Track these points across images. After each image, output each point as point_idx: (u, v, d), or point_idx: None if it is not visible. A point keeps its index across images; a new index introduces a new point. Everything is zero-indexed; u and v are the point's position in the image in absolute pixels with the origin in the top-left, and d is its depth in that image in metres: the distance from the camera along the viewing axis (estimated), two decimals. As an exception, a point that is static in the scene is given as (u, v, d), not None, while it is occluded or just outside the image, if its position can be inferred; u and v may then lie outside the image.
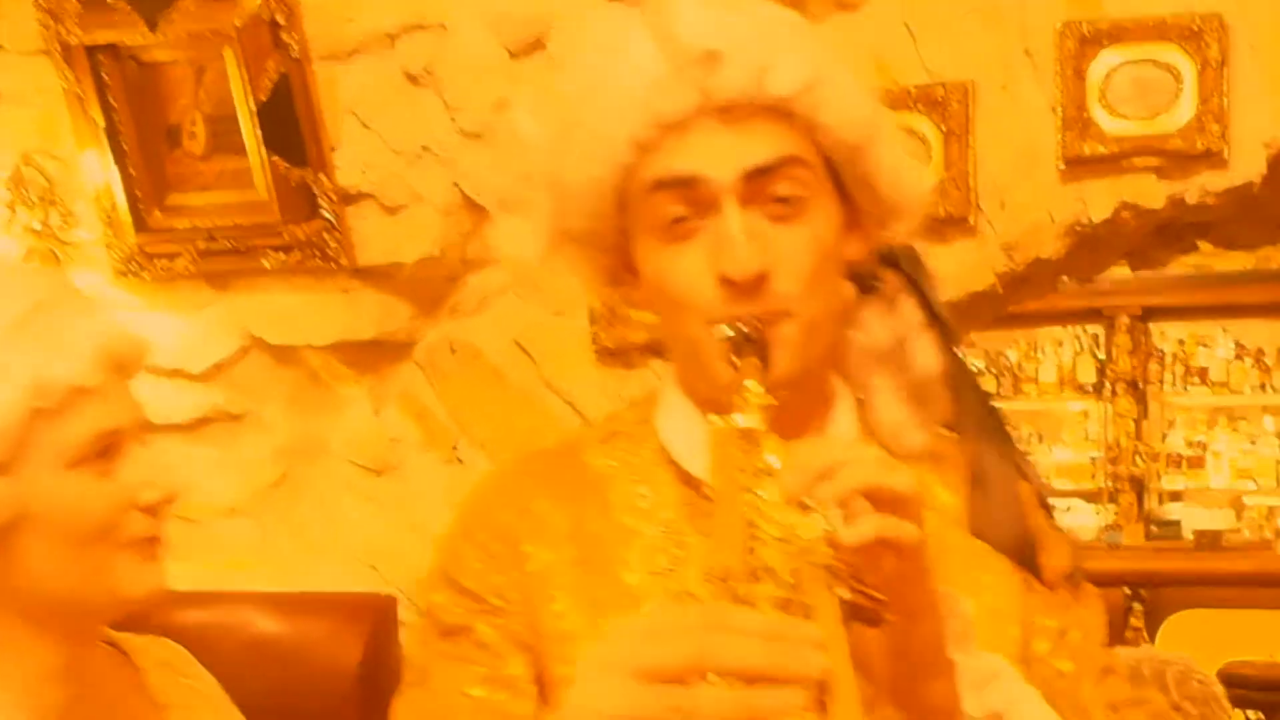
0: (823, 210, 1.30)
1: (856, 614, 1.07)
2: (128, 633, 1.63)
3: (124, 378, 1.46)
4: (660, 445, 1.43)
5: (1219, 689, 2.96)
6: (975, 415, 1.51)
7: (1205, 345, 8.56)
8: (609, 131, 1.27)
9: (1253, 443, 8.51)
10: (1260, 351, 8.45)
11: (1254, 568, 7.20)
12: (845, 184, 1.33)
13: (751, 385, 1.17)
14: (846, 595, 1.06)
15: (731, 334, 1.24)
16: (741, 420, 1.15)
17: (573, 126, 1.30)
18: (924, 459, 1.43)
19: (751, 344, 1.23)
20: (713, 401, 1.28)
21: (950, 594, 1.15)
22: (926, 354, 1.44)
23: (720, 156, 1.27)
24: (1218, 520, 8.08)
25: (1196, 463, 8.55)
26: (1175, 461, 8.59)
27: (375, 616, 2.98)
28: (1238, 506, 8.34)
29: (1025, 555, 1.40)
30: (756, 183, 1.26)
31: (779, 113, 1.27)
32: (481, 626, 1.40)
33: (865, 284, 1.45)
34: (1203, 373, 8.53)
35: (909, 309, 1.47)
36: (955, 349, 1.50)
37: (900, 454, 1.40)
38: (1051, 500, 1.84)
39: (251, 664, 2.78)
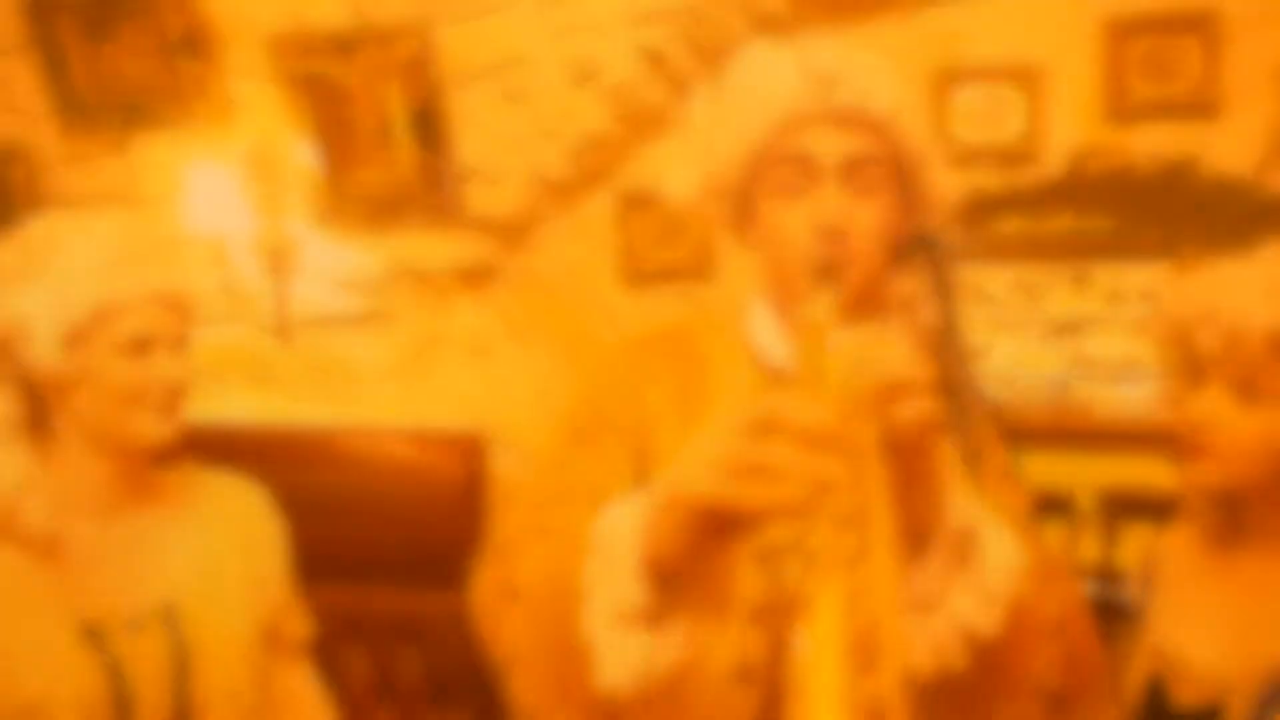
0: (889, 195, 1.31)
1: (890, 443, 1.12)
2: (216, 471, 1.65)
3: (167, 308, 1.47)
4: (743, 338, 1.44)
5: None
6: (953, 358, 1.45)
7: (990, 279, 8.68)
8: (765, 117, 1.30)
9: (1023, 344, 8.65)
10: (1028, 284, 8.60)
11: (1018, 422, 7.32)
12: (906, 181, 1.34)
13: (823, 299, 1.19)
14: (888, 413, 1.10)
15: (816, 263, 1.27)
16: (815, 314, 1.15)
17: (737, 111, 1.34)
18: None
19: (827, 273, 1.26)
20: (789, 312, 1.32)
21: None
22: (930, 309, 1.43)
23: (830, 145, 1.31)
24: (995, 392, 8.25)
25: (982, 355, 8.67)
26: None
27: (473, 448, 2.92)
28: (1009, 384, 8.42)
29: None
30: (849, 168, 1.29)
31: (871, 125, 1.29)
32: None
33: (903, 250, 1.46)
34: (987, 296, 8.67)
35: (927, 276, 1.42)
36: (952, 311, 1.47)
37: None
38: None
39: (394, 476, 2.90)
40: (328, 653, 2.89)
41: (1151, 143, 2.67)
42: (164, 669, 1.46)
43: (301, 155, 3.00)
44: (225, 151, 2.99)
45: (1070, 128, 2.72)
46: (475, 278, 3.06)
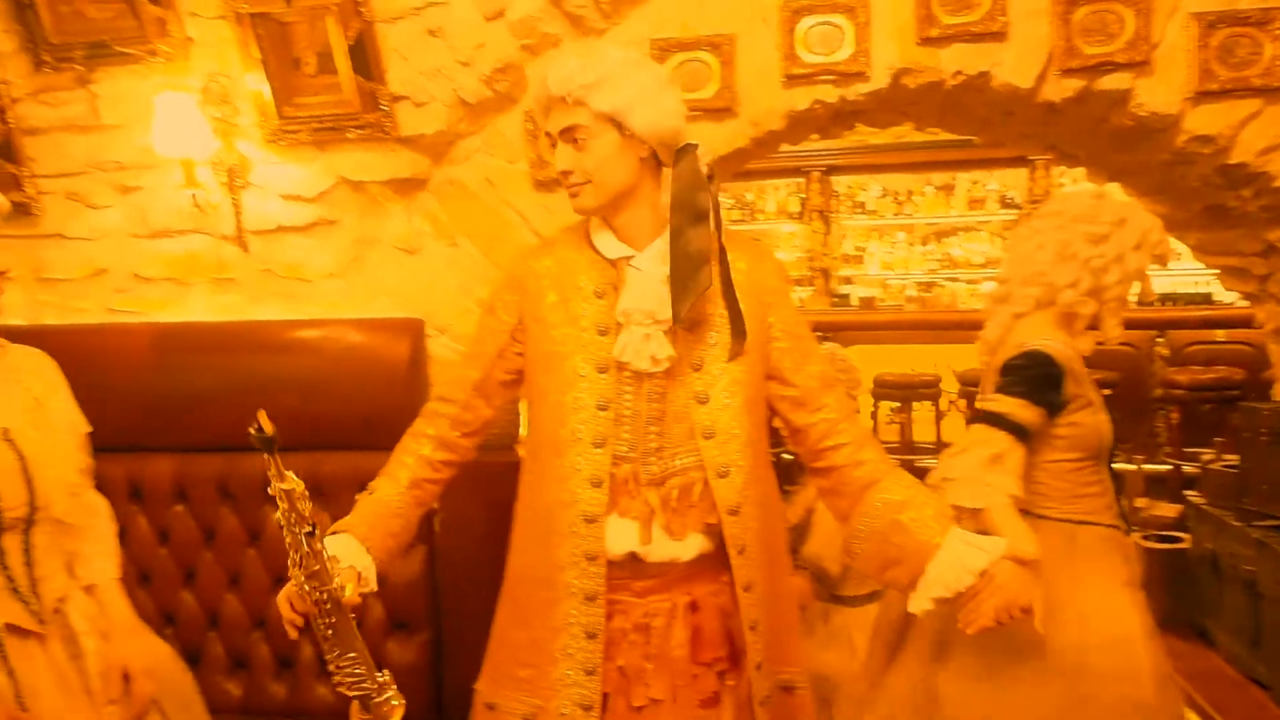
0: (600, 141, 1.81)
1: None
2: (21, 344, 1.98)
3: None
4: (592, 246, 1.91)
5: (855, 363, 3.17)
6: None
7: (864, 189, 8.95)
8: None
9: (892, 248, 8.92)
10: (897, 193, 8.91)
11: (891, 318, 7.84)
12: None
13: None
14: None
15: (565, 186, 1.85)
16: None
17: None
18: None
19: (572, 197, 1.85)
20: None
21: None
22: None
23: (555, 122, 1.83)
24: (872, 292, 8.57)
25: (859, 260, 8.95)
26: (847, 259, 8.97)
27: (412, 330, 3.20)
28: (883, 285, 8.74)
29: None
30: (568, 133, 1.81)
31: (578, 102, 1.79)
32: (500, 309, 1.97)
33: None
34: (862, 205, 8.95)
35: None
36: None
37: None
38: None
39: (346, 358, 3.15)
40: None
41: (954, 61, 3.03)
42: (15, 472, 1.83)
43: (253, 84, 3.18)
44: (185, 84, 3.18)
45: (890, 50, 3.04)
46: (406, 187, 3.29)
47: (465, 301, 3.32)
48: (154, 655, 2.05)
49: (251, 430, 1.59)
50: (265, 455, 1.62)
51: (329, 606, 1.73)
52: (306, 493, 1.69)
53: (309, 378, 3.24)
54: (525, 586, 1.95)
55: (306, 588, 1.70)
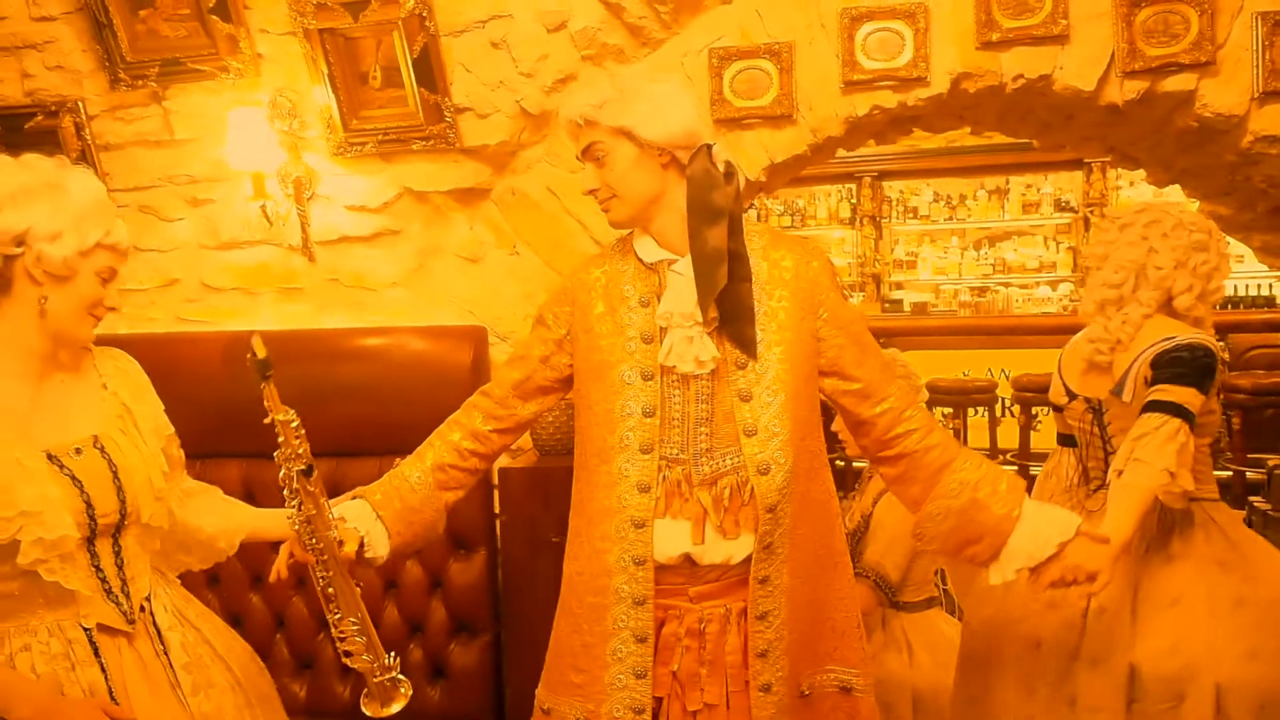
0: (617, 155, 1.84)
1: None
2: (102, 346, 1.98)
3: (123, 255, 1.84)
4: (635, 254, 1.93)
5: (915, 369, 3.17)
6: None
7: (916, 194, 8.93)
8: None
9: (945, 253, 8.88)
10: (950, 197, 8.88)
11: (944, 323, 7.74)
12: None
13: None
14: None
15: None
16: None
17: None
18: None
19: (606, 213, 1.89)
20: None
21: None
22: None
23: (577, 146, 1.88)
24: (924, 298, 8.58)
25: (911, 265, 8.94)
26: (899, 264, 8.98)
27: (475, 337, 3.22)
28: (935, 290, 8.74)
29: None
30: (589, 152, 1.86)
31: (590, 122, 1.84)
32: (549, 320, 2.01)
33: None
34: (914, 210, 8.92)
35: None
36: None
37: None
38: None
39: (410, 365, 3.17)
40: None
41: (1015, 65, 3.03)
42: (107, 480, 1.84)
43: (320, 99, 3.23)
44: (255, 99, 3.25)
45: (950, 55, 3.04)
46: (469, 197, 3.32)
47: (527, 309, 3.35)
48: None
49: (248, 356, 1.64)
50: (260, 383, 1.67)
51: (326, 558, 1.79)
52: (303, 430, 1.75)
53: (374, 385, 3.27)
54: (577, 592, 1.98)
55: (299, 527, 1.77)
